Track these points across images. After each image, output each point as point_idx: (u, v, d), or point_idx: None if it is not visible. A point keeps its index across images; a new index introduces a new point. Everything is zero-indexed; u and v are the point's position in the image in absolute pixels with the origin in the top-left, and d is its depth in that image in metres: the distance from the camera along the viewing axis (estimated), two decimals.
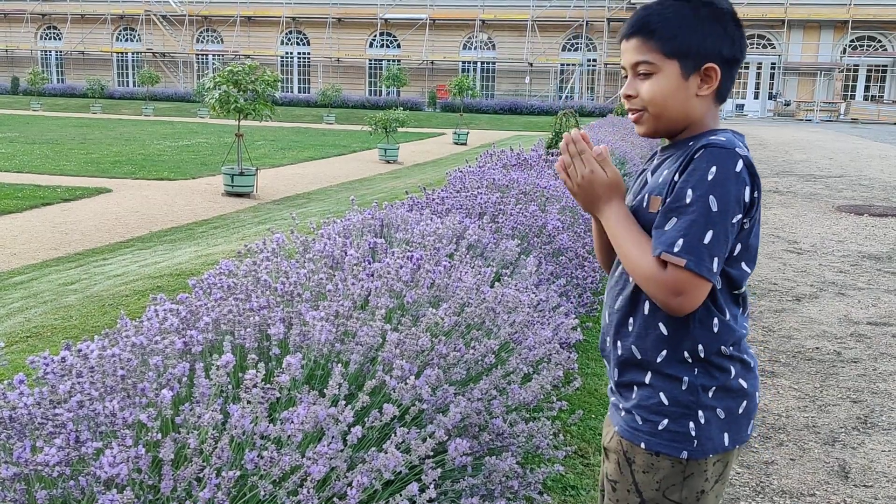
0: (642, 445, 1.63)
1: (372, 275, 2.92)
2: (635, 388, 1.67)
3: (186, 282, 6.13)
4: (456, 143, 26.08)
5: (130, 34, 53.76)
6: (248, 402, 1.82)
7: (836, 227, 10.10)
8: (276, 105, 15.50)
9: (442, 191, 5.18)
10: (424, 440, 2.02)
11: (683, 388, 1.61)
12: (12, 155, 18.96)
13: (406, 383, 2.09)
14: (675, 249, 1.50)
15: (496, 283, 3.21)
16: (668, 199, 1.55)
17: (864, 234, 9.56)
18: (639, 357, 1.66)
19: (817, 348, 5.26)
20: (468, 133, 26.79)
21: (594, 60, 48.02)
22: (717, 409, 1.62)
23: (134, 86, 50.85)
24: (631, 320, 1.68)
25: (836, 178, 15.66)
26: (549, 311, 3.45)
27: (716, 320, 1.60)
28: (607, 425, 1.79)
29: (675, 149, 1.66)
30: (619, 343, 1.70)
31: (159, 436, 1.69)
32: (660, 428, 1.62)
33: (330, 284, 2.76)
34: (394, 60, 49.48)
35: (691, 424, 1.61)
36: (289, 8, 50.62)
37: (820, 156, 20.84)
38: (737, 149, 1.52)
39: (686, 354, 1.61)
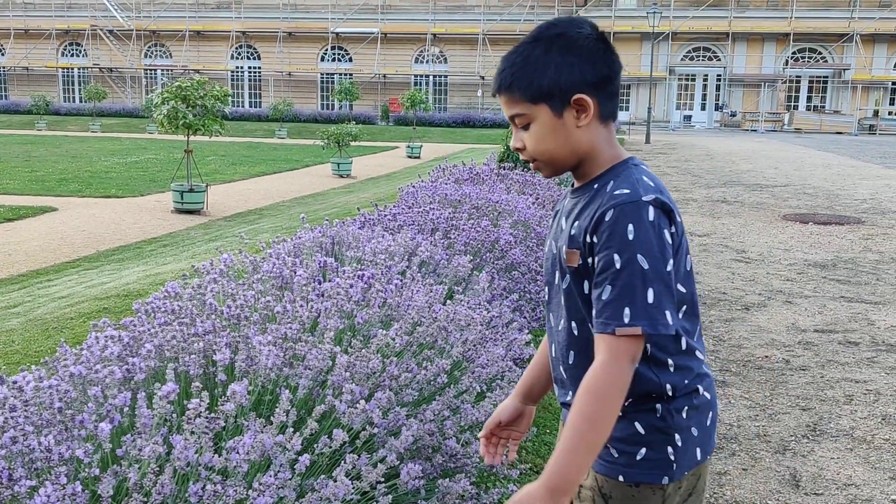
0: (620, 478, 1.59)
1: (322, 295, 2.88)
2: None
3: (133, 304, 5.98)
4: (410, 157, 26.08)
5: (76, 49, 52.80)
6: (192, 433, 1.77)
7: (782, 235, 10.30)
8: (227, 120, 15.30)
9: (394, 207, 5.15)
10: (375, 465, 1.98)
11: (658, 414, 1.59)
12: None
13: (356, 407, 2.05)
14: (626, 321, 1.46)
15: (449, 301, 3.19)
16: (597, 269, 1.53)
17: (810, 243, 9.77)
18: None
19: (766, 357, 5.34)
20: (421, 146, 26.82)
21: None
22: (692, 428, 1.62)
23: (81, 101, 49.78)
24: (582, 360, 1.63)
25: (781, 188, 16.01)
26: (502, 327, 3.44)
27: (670, 360, 1.60)
28: None
29: (583, 192, 1.64)
30: (575, 377, 1.64)
31: (97, 471, 1.62)
32: (638, 458, 1.58)
33: (278, 306, 2.71)
34: (346, 74, 49.38)
35: (669, 449, 1.58)
36: (239, 22, 50.22)
37: (766, 165, 21.29)
38: (643, 197, 1.50)
39: (653, 393, 1.60)
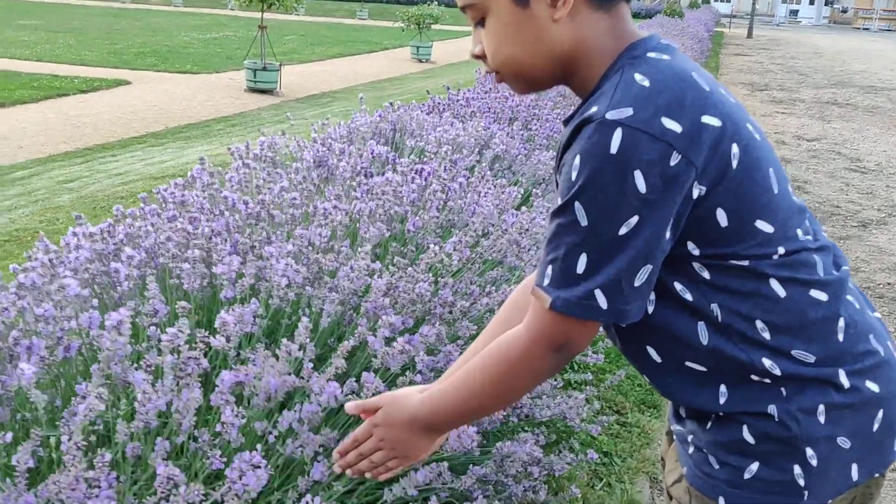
0: (721, 502, 1.07)
1: (368, 192, 2.35)
2: (712, 416, 1.10)
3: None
4: None
5: None
6: (157, 377, 1.29)
7: None
8: None
9: (468, 91, 4.52)
10: None
11: (775, 420, 1.04)
12: (34, 43, 18.34)
13: (393, 346, 1.54)
14: (544, 282, 1.01)
15: (525, 207, 2.62)
16: None
17: None
18: (688, 410, 1.13)
19: (889, 284, 4.63)
20: None
21: None
22: (837, 438, 1.05)
23: None
24: (648, 365, 1.13)
25: None
26: None
27: (758, 321, 1.04)
28: (669, 457, 1.23)
29: (576, 119, 1.04)
30: (665, 384, 1.14)
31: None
32: (746, 476, 1.04)
33: (314, 204, 2.19)
34: None
35: (796, 469, 1.04)
36: None
37: (881, 66, 19.52)
38: (607, 114, 0.94)
39: (755, 377, 1.05)
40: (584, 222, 0.95)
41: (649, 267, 0.97)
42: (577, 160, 0.95)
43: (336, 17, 34.70)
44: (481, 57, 1.09)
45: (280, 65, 13.37)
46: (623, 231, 0.95)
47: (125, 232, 1.96)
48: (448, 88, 4.69)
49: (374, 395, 1.52)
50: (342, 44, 22.34)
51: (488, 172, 2.60)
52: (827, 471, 1.04)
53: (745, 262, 1.02)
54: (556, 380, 2.08)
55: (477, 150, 3.34)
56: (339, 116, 10.48)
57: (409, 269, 1.83)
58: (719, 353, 1.04)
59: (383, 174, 2.83)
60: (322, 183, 2.82)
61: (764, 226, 1.02)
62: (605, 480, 2.55)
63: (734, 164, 0.98)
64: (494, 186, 2.56)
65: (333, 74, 16.12)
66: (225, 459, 1.33)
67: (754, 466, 1.04)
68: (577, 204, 0.95)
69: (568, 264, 0.97)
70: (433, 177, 2.50)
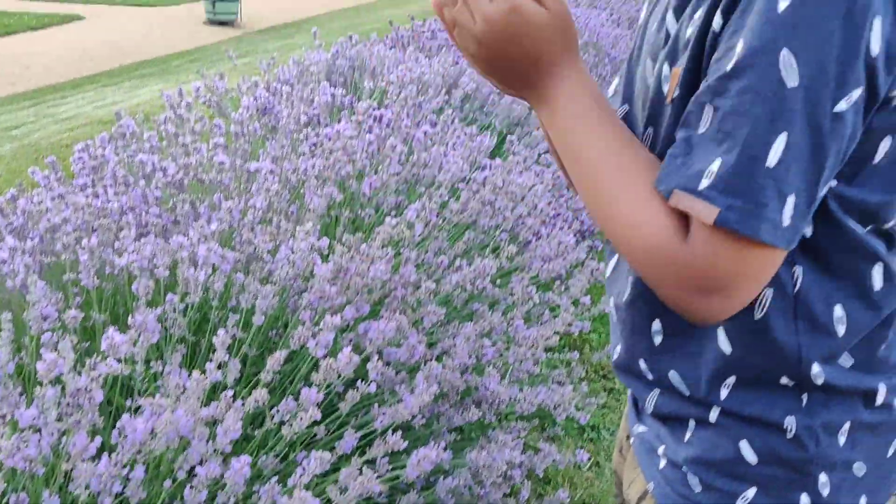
0: None
1: (316, 146, 2.03)
2: (692, 423, 0.82)
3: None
4: None
5: None
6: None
7: None
8: None
9: (435, 21, 4.14)
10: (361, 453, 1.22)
11: (789, 435, 0.77)
12: None
13: (338, 359, 1.24)
14: (701, 185, 0.66)
15: (499, 158, 2.32)
16: (705, 68, 0.69)
17: None
18: (687, 393, 0.81)
19: None
20: None
21: None
22: (854, 464, 0.79)
23: None
24: (658, 326, 0.82)
25: None
26: (570, 194, 2.57)
27: (839, 307, 0.75)
28: (628, 468, 0.96)
29: None
30: (642, 363, 0.85)
31: None
32: (739, 503, 0.79)
33: (255, 164, 1.87)
34: None
35: (803, 499, 0.78)
36: None
37: None
38: None
39: (785, 379, 0.77)
40: (791, 82, 0.62)
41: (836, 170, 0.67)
42: None
43: None
44: None
45: None
46: (842, 107, 0.63)
47: (23, 208, 1.63)
48: (413, 18, 4.31)
49: (310, 425, 1.24)
50: None
51: (456, 120, 2.28)
52: (837, 499, 0.79)
53: (866, 228, 0.73)
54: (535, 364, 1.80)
55: (444, 89, 3.00)
56: (302, 49, 9.98)
57: (363, 246, 1.53)
58: (766, 333, 0.75)
59: (340, 121, 2.51)
60: (269, 133, 2.50)
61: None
62: (593, 459, 2.32)
63: None
64: (464, 135, 2.24)
65: (298, 3, 15.43)
66: None
67: (750, 493, 0.78)
68: (785, 52, 0.62)
69: (753, 152, 0.64)
70: (393, 125, 2.18)
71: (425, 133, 2.27)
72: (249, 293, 1.38)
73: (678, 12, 0.77)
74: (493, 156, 2.60)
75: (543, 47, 0.74)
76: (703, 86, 0.68)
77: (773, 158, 0.63)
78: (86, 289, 1.41)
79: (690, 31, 0.72)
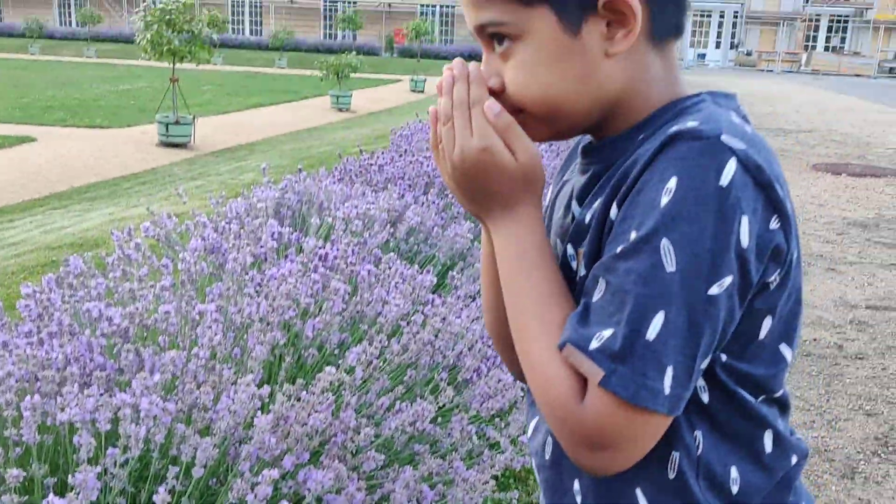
0: None
1: (260, 287, 2.09)
2: None
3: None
4: (413, 91, 24.93)
5: None
6: None
7: (814, 188, 9.43)
8: (223, 48, 14.39)
9: (382, 155, 4.32)
10: None
11: None
12: None
13: None
14: (592, 345, 0.74)
15: (441, 291, 2.41)
16: (603, 249, 0.81)
17: (846, 198, 8.91)
18: None
19: (815, 340, 4.57)
20: (426, 80, 25.63)
21: None
22: None
23: (76, 25, 48.15)
24: (577, 486, 0.90)
25: (806, 133, 15.04)
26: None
27: (733, 468, 0.84)
28: None
29: (612, 151, 0.85)
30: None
31: None
32: None
33: (198, 309, 1.92)
34: (350, 2, 47.61)
35: None
36: None
37: (787, 108, 20.24)
38: (722, 136, 0.74)
39: None
40: (670, 267, 0.72)
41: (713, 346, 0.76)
42: (674, 182, 0.72)
43: (255, 67, 34.27)
44: (496, 91, 0.85)
45: (194, 117, 12.98)
46: (715, 291, 0.73)
47: None
48: (362, 152, 4.48)
49: None
50: (261, 93, 21.99)
51: (397, 262, 2.37)
52: None
53: (758, 398, 0.84)
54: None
55: (390, 223, 3.11)
56: (254, 172, 10.14)
57: (304, 393, 1.57)
58: (680, 492, 0.83)
59: (287, 257, 2.58)
60: (216, 270, 2.55)
61: (787, 352, 0.84)
62: None
63: (794, 263, 0.80)
64: (405, 278, 2.33)
65: (250, 125, 15.77)
66: None
67: None
68: (665, 241, 0.72)
69: (634, 326, 0.72)
70: (337, 264, 2.26)
71: (369, 272, 2.36)
72: (190, 445, 1.40)
73: (580, 200, 0.88)
74: (435, 289, 2.69)
75: (505, 186, 0.84)
76: (599, 261, 0.78)
77: (651, 333, 0.73)
78: (26, 443, 1.42)
79: (589, 218, 0.83)
